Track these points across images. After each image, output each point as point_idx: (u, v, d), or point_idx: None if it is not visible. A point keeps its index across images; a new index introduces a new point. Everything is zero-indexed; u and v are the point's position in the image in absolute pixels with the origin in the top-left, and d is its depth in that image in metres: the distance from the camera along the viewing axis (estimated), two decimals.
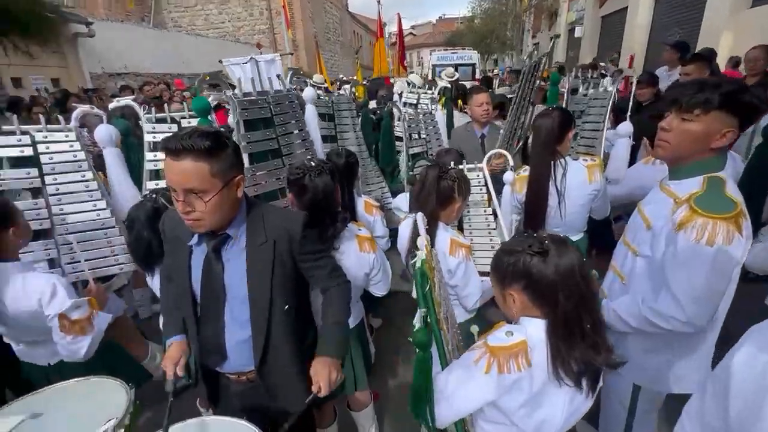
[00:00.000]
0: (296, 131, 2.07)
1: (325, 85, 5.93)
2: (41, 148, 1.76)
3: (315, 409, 1.75)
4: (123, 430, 1.20)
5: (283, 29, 15.74)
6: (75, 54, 9.80)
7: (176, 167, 1.04)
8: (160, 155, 2.04)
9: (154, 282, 1.66)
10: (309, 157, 1.90)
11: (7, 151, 1.72)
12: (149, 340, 2.60)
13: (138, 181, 2.10)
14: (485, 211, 2.00)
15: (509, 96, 5.51)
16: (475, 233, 2.02)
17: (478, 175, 2.00)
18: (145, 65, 11.97)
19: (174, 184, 1.06)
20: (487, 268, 1.89)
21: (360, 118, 3.04)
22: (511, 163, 2.01)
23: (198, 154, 1.03)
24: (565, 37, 16.28)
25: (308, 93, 2.25)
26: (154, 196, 1.64)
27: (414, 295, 1.36)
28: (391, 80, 6.91)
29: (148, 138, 2.02)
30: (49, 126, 1.79)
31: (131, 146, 2.22)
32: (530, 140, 2.81)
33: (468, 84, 7.02)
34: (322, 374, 1.20)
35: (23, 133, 1.73)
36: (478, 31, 27.47)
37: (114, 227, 1.94)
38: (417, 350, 1.14)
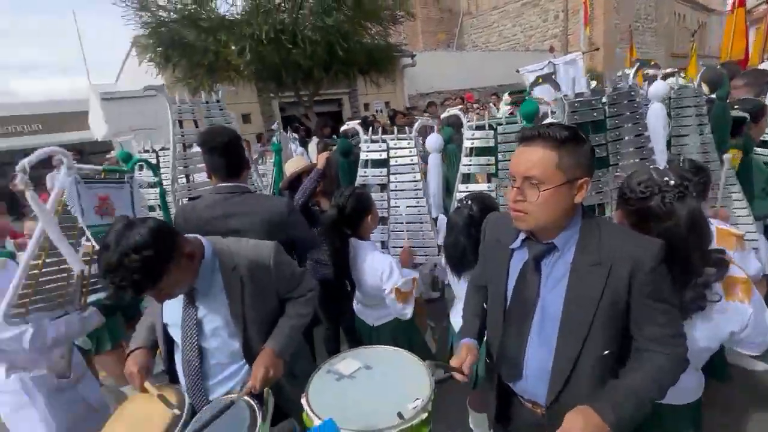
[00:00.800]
0: (630, 136, 1.69)
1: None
2: (391, 152, 2.25)
3: None
4: (426, 414, 1.29)
5: (581, 27, 14.56)
6: (401, 81, 12.66)
7: (525, 153, 1.03)
8: (474, 160, 2.20)
9: (460, 283, 1.76)
10: (654, 167, 1.49)
11: (373, 155, 2.30)
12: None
13: (450, 184, 2.34)
14: None
15: None
16: None
17: None
18: (445, 84, 14.01)
19: (515, 171, 1.05)
20: None
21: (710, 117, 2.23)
22: None
23: (551, 142, 1.00)
24: None
25: (658, 88, 1.77)
26: (470, 203, 1.74)
27: None
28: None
29: (466, 144, 2.20)
30: (398, 135, 2.26)
31: (450, 151, 2.51)
32: None
33: None
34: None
35: (382, 140, 2.26)
36: None
37: (428, 222, 2.25)
38: None
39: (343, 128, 2.40)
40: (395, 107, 10.55)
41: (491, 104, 8.60)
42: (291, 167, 2.95)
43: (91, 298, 1.83)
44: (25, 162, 1.35)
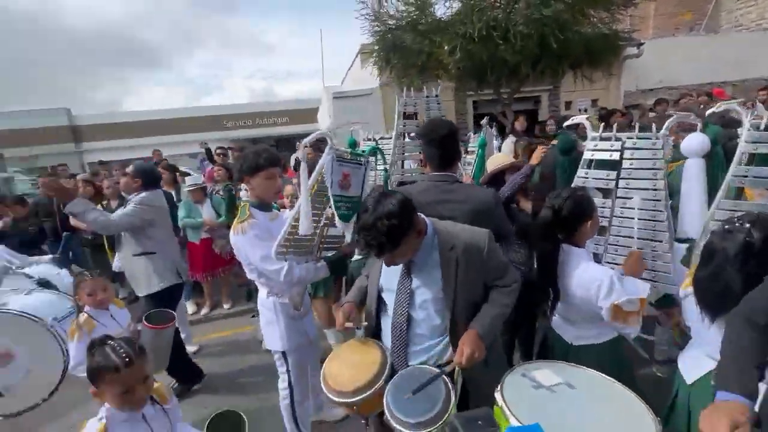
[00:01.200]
0: None
1: None
2: (626, 153, 1.90)
3: None
4: None
5: None
6: (618, 75, 10.71)
7: None
8: (754, 170, 1.64)
9: (710, 329, 1.35)
10: None
11: (600, 154, 2.01)
12: None
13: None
14: None
15: None
16: None
17: None
18: (680, 77, 11.14)
19: None
20: None
21: None
22: None
23: None
24: None
25: None
26: (747, 225, 1.30)
27: None
28: None
29: (744, 148, 1.65)
30: (638, 133, 1.89)
31: (716, 156, 1.97)
32: None
33: None
34: None
35: (616, 139, 1.94)
36: None
37: (664, 242, 1.82)
38: None
39: (566, 123, 2.19)
40: (605, 105, 9.05)
41: (758, 101, 6.42)
42: (493, 163, 2.93)
43: (324, 254, 2.27)
44: (306, 140, 1.76)
